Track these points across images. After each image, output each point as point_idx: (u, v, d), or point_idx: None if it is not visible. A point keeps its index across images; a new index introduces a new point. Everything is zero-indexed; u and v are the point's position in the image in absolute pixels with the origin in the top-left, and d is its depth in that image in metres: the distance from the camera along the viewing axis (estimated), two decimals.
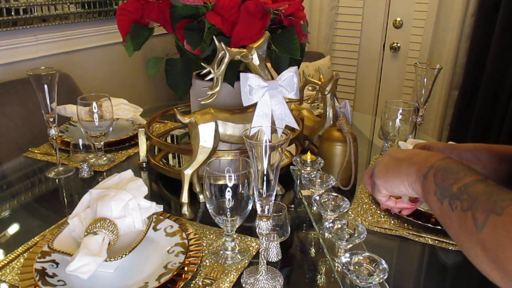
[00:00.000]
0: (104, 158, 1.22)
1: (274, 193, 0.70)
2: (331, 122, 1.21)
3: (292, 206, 1.02)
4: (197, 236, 0.85)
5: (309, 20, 2.80)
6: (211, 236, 0.88)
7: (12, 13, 1.69)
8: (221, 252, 0.82)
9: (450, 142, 0.96)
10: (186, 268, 0.76)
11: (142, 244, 0.77)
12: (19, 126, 1.57)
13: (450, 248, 0.85)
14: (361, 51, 2.92)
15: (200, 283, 0.74)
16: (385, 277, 0.64)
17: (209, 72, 0.85)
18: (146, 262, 0.79)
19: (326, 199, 0.86)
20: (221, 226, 0.80)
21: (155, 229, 0.87)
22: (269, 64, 0.98)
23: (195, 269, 0.76)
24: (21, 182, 1.14)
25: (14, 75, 1.70)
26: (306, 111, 1.34)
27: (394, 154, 0.68)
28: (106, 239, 0.76)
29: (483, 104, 2.45)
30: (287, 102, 0.88)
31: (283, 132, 0.76)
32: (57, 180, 1.14)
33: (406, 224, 0.93)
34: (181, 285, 0.72)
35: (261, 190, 0.69)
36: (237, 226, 0.80)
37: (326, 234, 0.76)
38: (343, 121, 1.08)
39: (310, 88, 1.62)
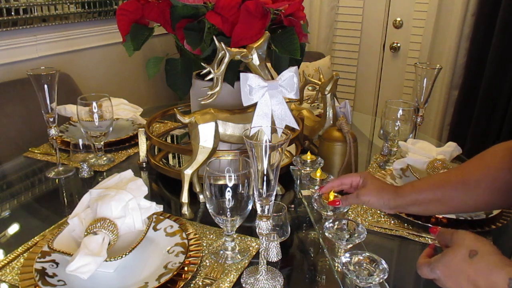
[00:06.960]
0: (104, 158, 1.22)
1: (274, 193, 0.70)
2: (331, 122, 1.21)
3: (292, 206, 1.02)
4: (197, 236, 0.85)
5: (309, 20, 2.80)
6: (211, 236, 0.88)
7: (12, 13, 1.69)
8: (221, 252, 0.82)
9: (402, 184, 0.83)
10: (186, 268, 0.76)
11: (142, 244, 0.77)
12: (19, 126, 1.57)
13: None
14: (361, 51, 2.92)
15: (200, 283, 0.74)
16: (385, 277, 0.64)
17: (209, 72, 0.85)
18: (146, 262, 0.79)
19: None
20: (221, 226, 0.80)
21: (155, 229, 0.87)
22: (269, 64, 0.98)
23: (195, 269, 0.76)
24: (21, 182, 1.14)
25: (14, 75, 1.70)
26: (306, 111, 1.34)
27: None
28: (106, 239, 0.76)
29: (483, 104, 2.45)
30: (287, 102, 0.88)
31: (283, 132, 0.76)
32: (57, 180, 1.14)
33: (406, 224, 0.93)
34: (181, 285, 0.72)
35: (261, 190, 0.69)
36: (237, 226, 0.80)
37: (326, 234, 0.76)
38: (343, 121, 1.08)
39: (310, 88, 1.62)
